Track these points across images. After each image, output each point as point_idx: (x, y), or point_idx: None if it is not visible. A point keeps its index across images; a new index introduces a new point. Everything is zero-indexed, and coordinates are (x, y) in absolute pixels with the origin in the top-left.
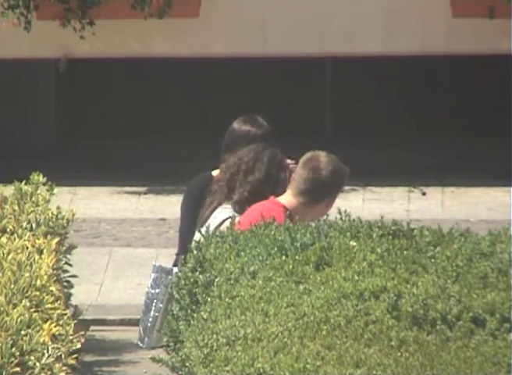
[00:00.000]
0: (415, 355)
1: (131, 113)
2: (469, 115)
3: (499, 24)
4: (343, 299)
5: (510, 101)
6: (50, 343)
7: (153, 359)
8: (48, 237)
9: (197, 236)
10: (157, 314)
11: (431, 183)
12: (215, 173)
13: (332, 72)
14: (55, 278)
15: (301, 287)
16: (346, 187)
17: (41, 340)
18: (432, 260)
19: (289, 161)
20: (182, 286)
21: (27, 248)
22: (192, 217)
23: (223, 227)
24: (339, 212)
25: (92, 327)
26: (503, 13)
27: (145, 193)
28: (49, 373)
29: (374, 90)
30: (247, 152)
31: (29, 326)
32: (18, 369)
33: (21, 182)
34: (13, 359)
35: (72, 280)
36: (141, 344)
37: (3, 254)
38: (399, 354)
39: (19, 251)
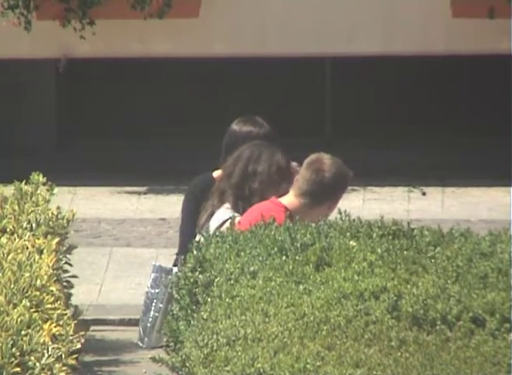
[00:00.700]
0: (415, 355)
1: (131, 113)
2: (469, 115)
3: (499, 24)
4: (343, 299)
5: (510, 101)
6: (50, 343)
7: (153, 359)
8: (48, 237)
9: (197, 237)
10: (157, 314)
11: (431, 183)
12: (216, 173)
13: (332, 72)
14: (55, 278)
15: (301, 287)
16: None
17: (41, 340)
18: (432, 260)
19: (293, 163)
20: (182, 286)
21: (27, 248)
22: (192, 218)
23: (224, 228)
24: (339, 212)
25: (92, 327)
26: (503, 13)
27: (145, 193)
28: (49, 373)
29: (374, 90)
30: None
31: (29, 327)
32: (18, 369)
33: (21, 182)
34: (13, 359)
35: (72, 280)
36: (141, 344)
37: (3, 254)
38: (399, 354)
39: (19, 251)
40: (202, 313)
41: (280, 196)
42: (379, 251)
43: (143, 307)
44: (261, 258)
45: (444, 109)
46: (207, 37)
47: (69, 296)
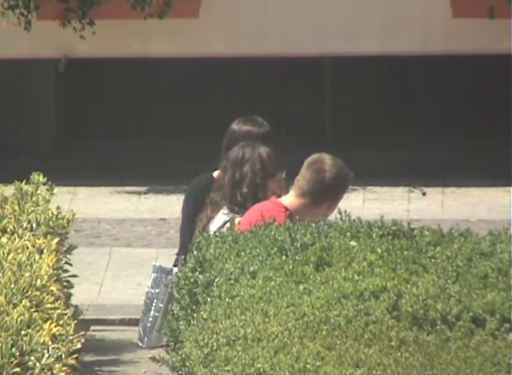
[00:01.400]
0: (415, 355)
1: (131, 113)
2: (469, 115)
3: (499, 24)
4: (343, 299)
5: (510, 101)
6: (50, 343)
7: (153, 359)
8: (48, 237)
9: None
10: (157, 314)
11: (431, 183)
12: (216, 173)
13: (332, 72)
14: (55, 278)
15: (301, 287)
16: None
17: (41, 340)
18: (432, 260)
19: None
20: (182, 286)
21: (27, 247)
22: (193, 218)
23: (225, 229)
24: (339, 212)
25: (92, 327)
26: (502, 13)
27: (145, 193)
28: (49, 373)
29: (374, 90)
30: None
31: (29, 326)
32: (18, 369)
33: (21, 182)
34: (13, 359)
35: (72, 279)
36: (141, 344)
37: (3, 254)
38: (399, 354)
39: (19, 251)
40: (202, 313)
41: (280, 196)
42: (379, 251)
43: (143, 307)
44: (261, 258)
45: (444, 109)
46: (207, 37)
47: (69, 296)
